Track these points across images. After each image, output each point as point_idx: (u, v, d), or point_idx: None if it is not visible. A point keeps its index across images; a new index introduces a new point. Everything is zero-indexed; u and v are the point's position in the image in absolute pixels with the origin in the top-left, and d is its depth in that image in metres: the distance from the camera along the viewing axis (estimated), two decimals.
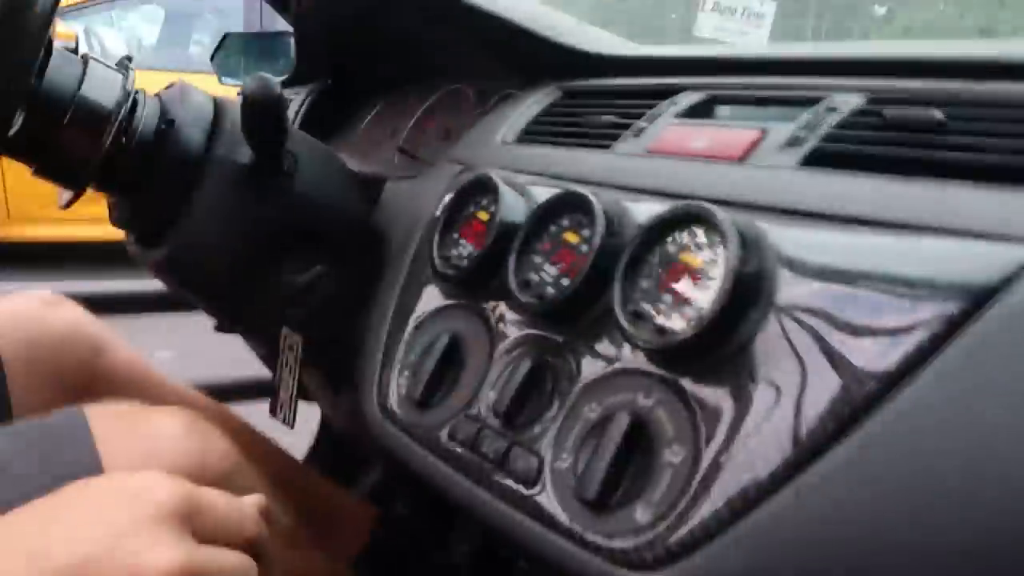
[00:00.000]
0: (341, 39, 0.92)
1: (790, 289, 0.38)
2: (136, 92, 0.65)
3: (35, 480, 0.45)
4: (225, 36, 1.15)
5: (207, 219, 0.65)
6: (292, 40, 0.98)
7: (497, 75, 0.77)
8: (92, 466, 0.50)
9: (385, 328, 0.58)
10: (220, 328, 0.80)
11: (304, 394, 0.86)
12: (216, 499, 0.42)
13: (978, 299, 0.33)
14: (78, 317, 0.85)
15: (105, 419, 0.55)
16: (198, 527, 0.41)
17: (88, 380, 0.82)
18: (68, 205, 0.67)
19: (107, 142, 0.62)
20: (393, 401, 0.53)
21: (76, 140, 0.62)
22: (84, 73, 0.62)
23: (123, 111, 0.62)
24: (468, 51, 0.80)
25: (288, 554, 0.43)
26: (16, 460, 0.50)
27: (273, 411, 0.74)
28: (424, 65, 0.88)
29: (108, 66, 0.64)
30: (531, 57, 0.72)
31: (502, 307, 0.50)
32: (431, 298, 0.56)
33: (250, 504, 0.45)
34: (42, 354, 0.80)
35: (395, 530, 0.82)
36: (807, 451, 0.35)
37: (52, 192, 0.69)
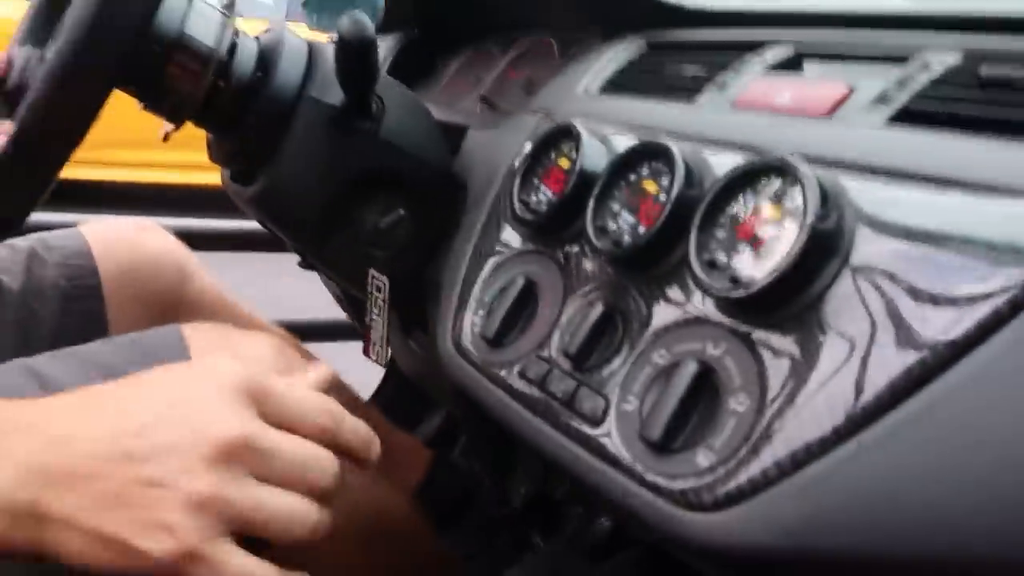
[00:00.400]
0: None
1: (867, 247, 0.38)
2: (236, 34, 0.68)
3: None
4: None
5: (297, 159, 0.68)
6: None
7: (581, 27, 0.77)
8: None
9: (462, 270, 0.60)
10: (304, 264, 0.83)
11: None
12: (288, 388, 0.44)
13: None
14: (169, 244, 0.90)
15: (200, 334, 0.59)
16: (268, 410, 0.42)
17: (175, 304, 0.87)
18: (167, 138, 0.71)
19: (206, 81, 0.65)
20: (467, 339, 0.55)
21: (178, 77, 0.65)
22: (188, 12, 0.65)
23: (223, 52, 0.65)
24: (553, 2, 0.80)
25: (352, 475, 0.45)
26: (118, 365, 0.54)
27: (366, 351, 0.77)
28: (510, 16, 0.89)
29: (212, 6, 0.68)
30: (615, 8, 0.72)
31: (578, 254, 0.51)
32: (508, 242, 0.57)
33: (322, 395, 0.46)
34: (136, 276, 0.86)
35: (452, 472, 0.85)
36: (870, 409, 0.35)
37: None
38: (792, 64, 0.55)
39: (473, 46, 0.93)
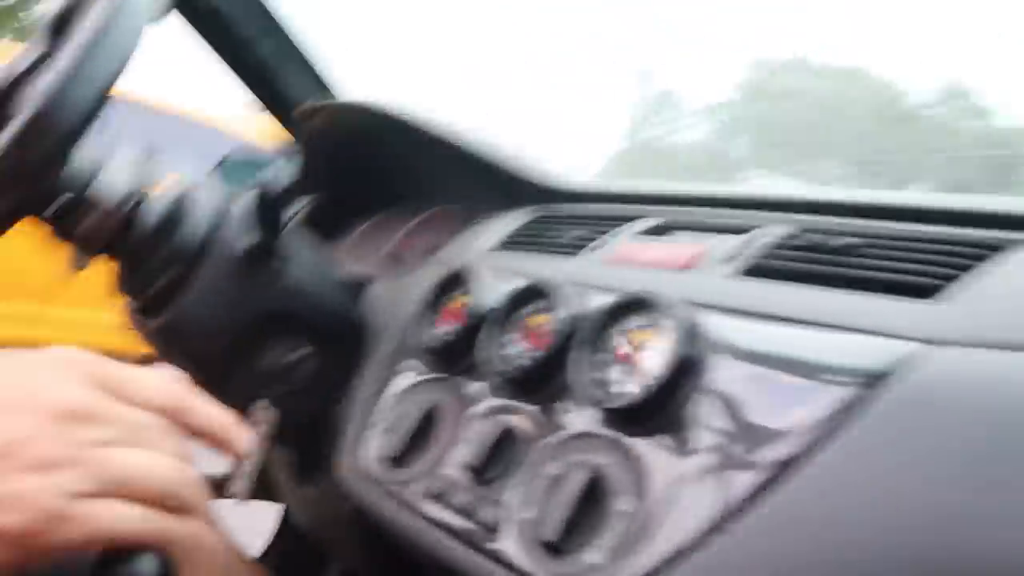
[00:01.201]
0: (341, 159, 1.02)
1: (721, 367, 0.46)
2: (147, 187, 0.73)
3: None
4: (225, 157, 1.25)
5: (204, 296, 0.71)
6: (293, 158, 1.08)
7: (483, 199, 0.87)
8: None
9: (366, 399, 0.64)
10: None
11: (267, 493, 0.88)
12: (131, 372, 0.41)
13: (871, 383, 0.41)
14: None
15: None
16: (111, 388, 0.39)
17: None
18: (77, 271, 0.73)
19: (109, 230, 0.69)
20: (370, 460, 0.58)
21: (85, 221, 0.69)
22: (102, 163, 0.70)
23: (130, 206, 0.70)
24: (455, 176, 0.90)
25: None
26: None
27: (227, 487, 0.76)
28: (417, 187, 0.98)
29: (130, 157, 0.73)
30: (514, 185, 0.82)
31: (476, 380, 0.57)
32: (411, 373, 0.62)
33: (169, 380, 0.42)
34: None
35: None
36: (733, 505, 0.41)
37: None
38: (658, 233, 0.65)
39: (382, 211, 1.01)
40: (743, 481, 0.41)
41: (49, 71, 0.61)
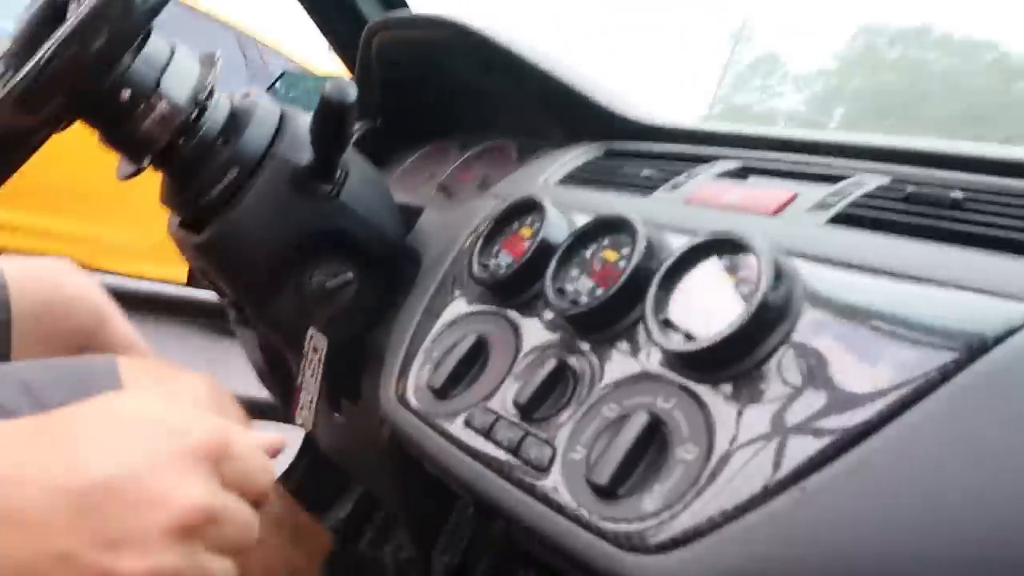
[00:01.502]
0: (398, 83, 0.98)
1: (810, 319, 0.42)
2: (211, 93, 0.70)
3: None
4: (283, 73, 1.22)
5: (256, 210, 0.69)
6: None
7: (541, 132, 0.82)
8: None
9: (411, 330, 0.61)
10: (239, 321, 0.82)
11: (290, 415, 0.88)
12: (247, 448, 0.43)
13: (976, 347, 0.37)
14: (90, 286, 0.88)
15: (134, 367, 0.57)
16: (226, 472, 0.41)
17: (85, 346, 0.84)
18: (127, 178, 0.71)
19: (171, 132, 0.67)
20: (412, 391, 0.56)
21: (145, 122, 0.66)
22: (168, 63, 0.67)
23: (194, 109, 0.67)
24: (517, 105, 0.86)
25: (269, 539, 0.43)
26: (48, 388, 0.51)
27: (292, 416, 0.75)
28: (472, 118, 0.94)
29: (193, 60, 0.70)
30: (577, 116, 0.78)
31: (532, 316, 0.53)
32: (461, 304, 0.59)
33: (267, 458, 0.46)
34: (49, 315, 0.82)
35: (358, 563, 0.81)
36: (808, 463, 0.38)
37: None
38: (739, 175, 0.60)
39: (433, 140, 0.97)
40: (814, 443, 0.38)
41: None
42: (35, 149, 0.63)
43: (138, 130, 0.66)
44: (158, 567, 0.36)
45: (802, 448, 0.38)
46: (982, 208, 0.46)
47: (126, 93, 0.64)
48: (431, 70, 0.93)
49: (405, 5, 1.12)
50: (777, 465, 0.38)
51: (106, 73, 0.62)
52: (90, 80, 0.60)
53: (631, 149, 0.72)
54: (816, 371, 0.40)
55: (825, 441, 0.38)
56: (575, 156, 0.73)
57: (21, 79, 0.57)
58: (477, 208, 0.71)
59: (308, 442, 0.99)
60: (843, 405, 0.38)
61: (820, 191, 0.52)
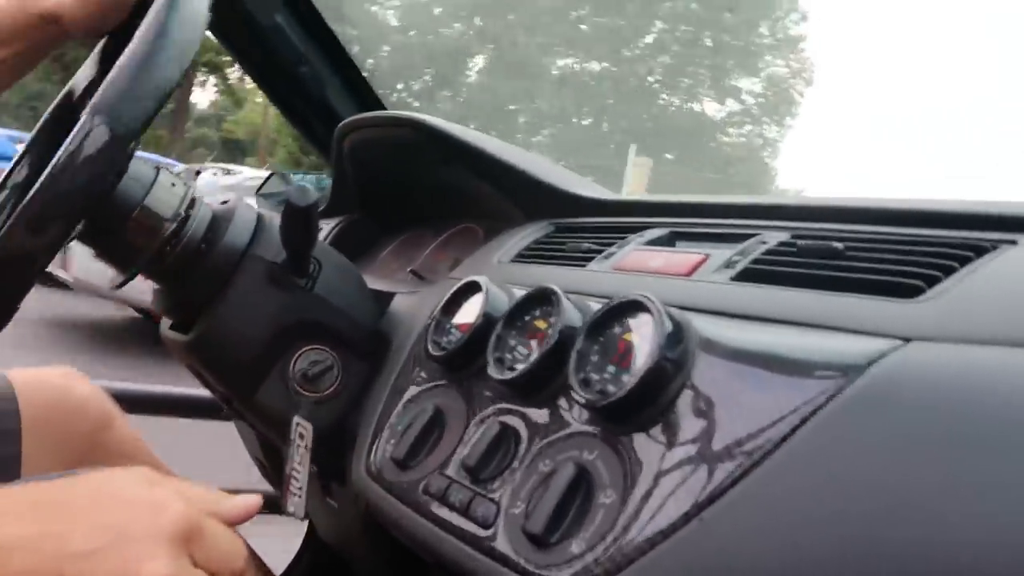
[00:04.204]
0: (372, 178, 1.06)
1: (704, 365, 0.47)
2: (193, 203, 0.77)
3: None
4: (271, 174, 1.31)
5: (237, 308, 0.75)
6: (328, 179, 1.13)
7: (503, 214, 0.89)
8: None
9: (380, 406, 0.66)
10: (228, 415, 0.87)
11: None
12: (219, 531, 0.47)
13: (847, 376, 0.42)
14: (95, 392, 0.94)
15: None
16: (196, 551, 0.45)
17: (93, 450, 0.90)
18: (119, 286, 0.78)
19: (159, 241, 0.74)
20: (379, 464, 0.61)
21: (135, 235, 0.73)
22: (154, 182, 0.74)
23: (178, 220, 0.74)
24: (481, 192, 0.93)
25: None
26: None
27: (283, 506, 0.80)
28: (443, 204, 1.02)
29: (175, 180, 0.77)
30: (530, 197, 0.84)
31: (480, 384, 0.59)
32: (421, 378, 0.65)
33: (240, 542, 0.49)
34: (57, 421, 0.88)
35: None
36: (707, 497, 0.42)
37: None
38: (667, 241, 0.66)
39: (409, 230, 1.05)
40: (720, 470, 0.42)
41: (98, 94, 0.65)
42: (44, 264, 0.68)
43: (127, 242, 0.73)
44: None
45: (700, 482, 0.42)
46: (859, 255, 0.51)
47: (116, 211, 0.71)
48: (399, 165, 1.00)
49: (383, 107, 1.21)
50: (680, 500, 0.43)
51: (92, 203, 0.69)
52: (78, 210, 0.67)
53: (578, 223, 0.79)
54: (708, 412, 0.45)
55: (720, 474, 0.42)
56: (527, 234, 0.79)
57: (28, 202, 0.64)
58: (439, 289, 0.77)
59: (311, 536, 1.03)
60: (733, 440, 0.43)
61: (729, 251, 0.58)
